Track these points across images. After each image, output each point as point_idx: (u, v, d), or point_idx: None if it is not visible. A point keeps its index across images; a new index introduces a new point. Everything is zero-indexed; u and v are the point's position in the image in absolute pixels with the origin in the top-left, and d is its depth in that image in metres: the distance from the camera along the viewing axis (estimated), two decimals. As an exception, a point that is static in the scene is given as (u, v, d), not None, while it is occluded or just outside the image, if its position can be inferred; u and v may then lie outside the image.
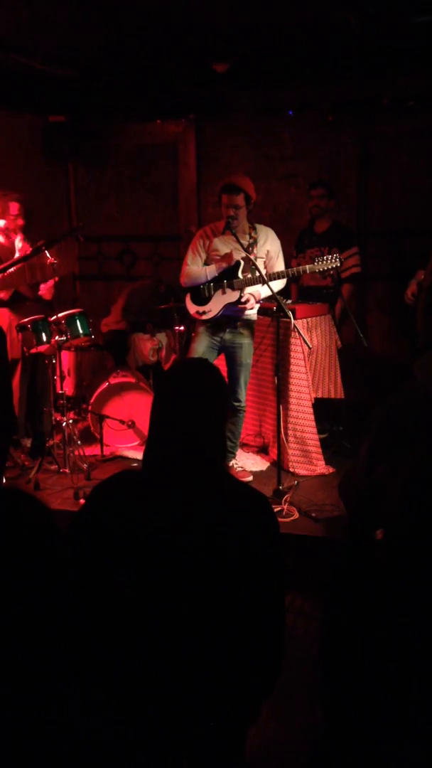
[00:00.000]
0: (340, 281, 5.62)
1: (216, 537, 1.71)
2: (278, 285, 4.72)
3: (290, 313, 4.53)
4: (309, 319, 5.14)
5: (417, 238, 6.32)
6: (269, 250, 4.77)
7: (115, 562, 1.73)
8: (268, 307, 4.88)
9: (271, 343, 5.04)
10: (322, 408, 5.30)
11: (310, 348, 4.89)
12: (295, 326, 4.58)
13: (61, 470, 5.13)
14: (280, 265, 4.79)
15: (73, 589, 1.73)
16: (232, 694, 1.71)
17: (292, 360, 5.04)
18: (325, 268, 4.66)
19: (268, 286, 4.49)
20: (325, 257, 4.68)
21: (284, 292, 5.54)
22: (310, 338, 5.03)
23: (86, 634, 1.62)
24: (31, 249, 5.03)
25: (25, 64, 5.04)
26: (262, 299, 4.80)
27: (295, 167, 6.83)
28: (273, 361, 4.76)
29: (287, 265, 4.98)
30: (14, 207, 5.12)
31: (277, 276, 4.68)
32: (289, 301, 5.29)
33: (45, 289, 5.21)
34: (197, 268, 4.80)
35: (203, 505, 1.76)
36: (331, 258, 4.65)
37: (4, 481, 4.97)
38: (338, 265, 4.66)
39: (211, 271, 4.74)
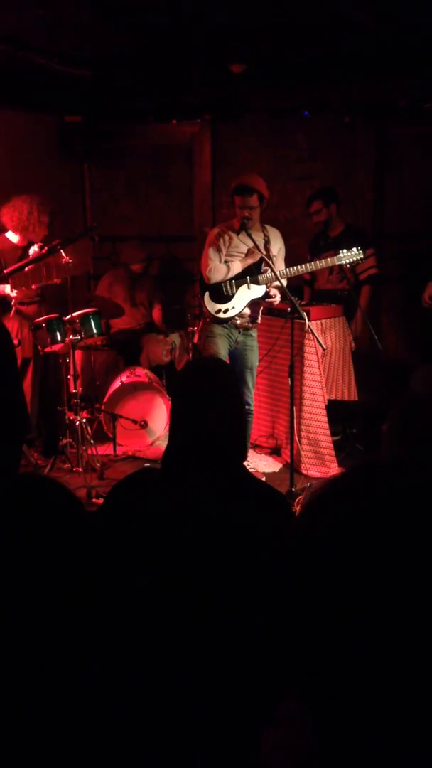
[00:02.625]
0: (359, 283, 5.60)
1: (234, 534, 1.71)
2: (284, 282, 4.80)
3: (305, 315, 4.55)
4: (323, 321, 5.13)
5: (432, 241, 6.30)
6: (280, 247, 4.87)
7: (133, 559, 1.73)
8: (282, 308, 4.89)
9: (285, 344, 5.03)
10: (335, 410, 5.28)
11: (324, 349, 4.88)
12: (309, 327, 4.59)
13: (74, 469, 5.13)
14: (282, 265, 4.88)
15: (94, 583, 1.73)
16: (247, 694, 1.70)
17: (305, 361, 5.02)
18: (349, 261, 4.69)
19: (281, 282, 4.56)
20: (347, 251, 4.70)
21: (297, 295, 5.57)
22: (324, 340, 5.02)
23: (100, 634, 1.62)
24: (45, 249, 5.05)
25: (43, 64, 5.06)
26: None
27: (311, 169, 6.81)
28: (287, 363, 4.75)
29: None
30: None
31: (287, 274, 4.76)
32: (303, 303, 5.29)
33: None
34: (222, 264, 4.80)
35: (222, 503, 1.76)
36: (354, 251, 4.66)
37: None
38: (361, 256, 4.69)
39: (237, 267, 4.76)
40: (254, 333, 4.95)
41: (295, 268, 4.74)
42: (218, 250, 4.80)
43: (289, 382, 4.73)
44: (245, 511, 1.76)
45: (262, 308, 4.89)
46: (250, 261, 4.73)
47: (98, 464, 5.14)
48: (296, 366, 4.89)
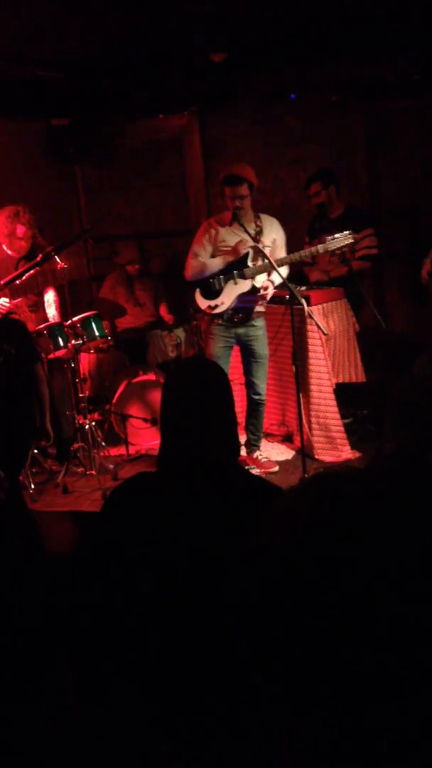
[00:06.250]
0: (354, 260, 5.54)
1: (229, 535, 1.70)
2: (284, 272, 4.70)
3: (303, 301, 4.51)
4: (324, 305, 5.09)
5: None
6: (276, 238, 4.79)
7: (132, 565, 1.73)
8: (281, 295, 4.86)
9: (288, 331, 5.01)
10: (344, 393, 5.24)
11: (326, 334, 4.84)
12: (309, 313, 4.55)
13: (88, 472, 5.15)
14: (283, 254, 4.80)
15: (93, 591, 1.73)
16: (255, 703, 1.69)
17: (309, 347, 4.99)
18: (340, 246, 4.62)
19: (278, 273, 4.50)
20: (336, 236, 4.64)
21: (303, 278, 5.51)
22: (327, 324, 4.98)
23: (99, 640, 1.62)
24: (39, 257, 5.04)
25: (22, 71, 5.05)
26: (276, 286, 4.82)
27: (303, 151, 6.75)
28: (291, 350, 4.73)
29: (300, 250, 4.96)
30: (20, 230, 5.13)
31: (282, 262, 4.68)
32: (304, 288, 5.25)
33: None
34: (203, 260, 4.77)
35: (216, 505, 1.75)
36: (344, 235, 4.60)
37: (33, 487, 5.03)
38: (351, 241, 4.62)
39: (218, 263, 4.72)
40: (259, 322, 4.89)
41: (288, 256, 4.70)
42: (203, 246, 4.78)
43: (294, 369, 4.70)
44: (241, 510, 1.74)
45: (258, 299, 4.83)
46: (230, 258, 4.68)
47: (111, 466, 5.15)
48: (300, 352, 4.86)
